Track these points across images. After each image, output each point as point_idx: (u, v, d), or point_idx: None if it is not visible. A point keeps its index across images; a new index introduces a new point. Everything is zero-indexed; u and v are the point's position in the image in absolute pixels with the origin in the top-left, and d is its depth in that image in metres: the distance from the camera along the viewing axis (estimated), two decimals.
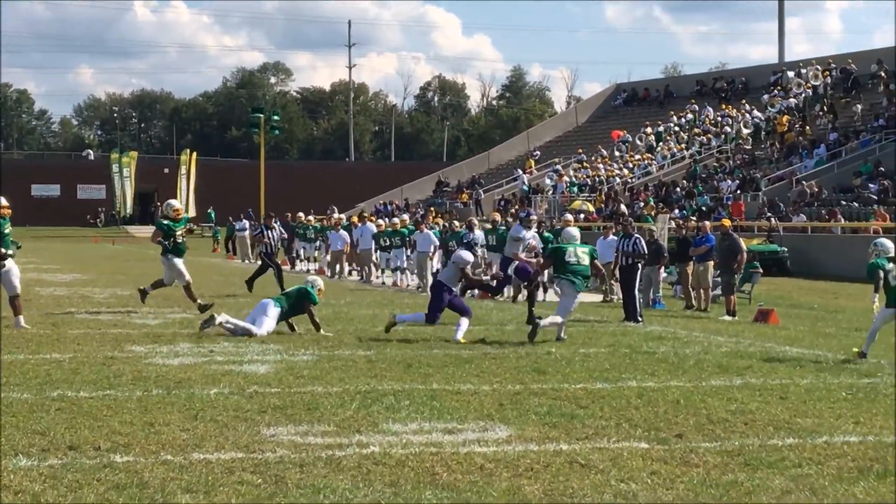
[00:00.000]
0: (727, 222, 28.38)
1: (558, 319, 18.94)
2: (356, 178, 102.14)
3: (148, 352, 16.45)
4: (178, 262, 22.94)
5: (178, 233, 23.09)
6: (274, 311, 19.24)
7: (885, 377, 15.02)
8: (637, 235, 24.59)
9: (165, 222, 23.17)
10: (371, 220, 40.20)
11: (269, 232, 30.70)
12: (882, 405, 12.67)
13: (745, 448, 10.30)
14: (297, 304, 19.48)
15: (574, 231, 20.55)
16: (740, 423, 11.48)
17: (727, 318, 24.49)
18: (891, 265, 17.18)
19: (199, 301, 22.76)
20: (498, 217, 35.62)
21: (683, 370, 15.43)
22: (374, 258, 37.53)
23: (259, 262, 32.15)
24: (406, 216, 46.78)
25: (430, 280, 32.91)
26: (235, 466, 9.32)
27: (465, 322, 19.03)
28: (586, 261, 19.34)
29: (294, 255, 46.70)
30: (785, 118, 62.63)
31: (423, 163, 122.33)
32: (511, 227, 29.02)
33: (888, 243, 17.74)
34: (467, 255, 20.53)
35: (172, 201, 24.19)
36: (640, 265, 24.12)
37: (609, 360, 16.34)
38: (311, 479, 8.93)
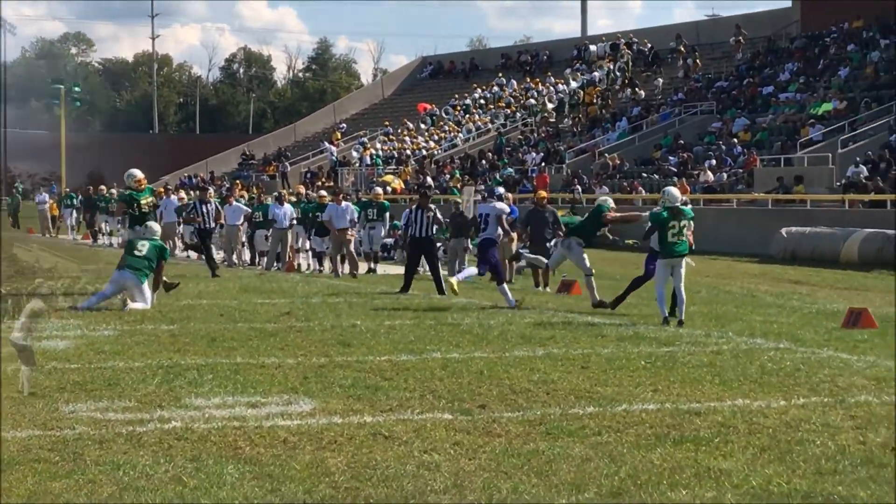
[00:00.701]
0: (544, 194, 28.13)
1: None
2: (160, 151, 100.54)
3: None
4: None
5: (143, 202, 21.88)
6: (143, 284, 18.95)
7: (683, 345, 15.35)
8: (435, 209, 24.41)
9: (127, 192, 22.10)
10: (175, 194, 39.72)
11: (204, 207, 28.30)
12: (679, 373, 12.92)
13: (547, 417, 10.42)
14: (157, 263, 19.33)
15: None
16: (542, 393, 11.62)
17: (548, 290, 24.64)
18: (673, 222, 17.76)
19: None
20: (302, 190, 35.57)
21: (487, 341, 15.56)
22: (177, 231, 37.12)
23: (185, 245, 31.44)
24: (211, 189, 46.35)
25: (240, 251, 32.71)
26: (32, 444, 9.12)
27: (472, 271, 21.32)
28: (577, 218, 20.73)
29: (96, 228, 45.97)
30: (592, 90, 63.59)
31: (228, 135, 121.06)
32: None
33: (675, 192, 18.36)
34: (502, 205, 22.12)
35: (134, 171, 22.35)
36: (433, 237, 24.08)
37: (414, 331, 16.40)
38: (111, 456, 8.78)
